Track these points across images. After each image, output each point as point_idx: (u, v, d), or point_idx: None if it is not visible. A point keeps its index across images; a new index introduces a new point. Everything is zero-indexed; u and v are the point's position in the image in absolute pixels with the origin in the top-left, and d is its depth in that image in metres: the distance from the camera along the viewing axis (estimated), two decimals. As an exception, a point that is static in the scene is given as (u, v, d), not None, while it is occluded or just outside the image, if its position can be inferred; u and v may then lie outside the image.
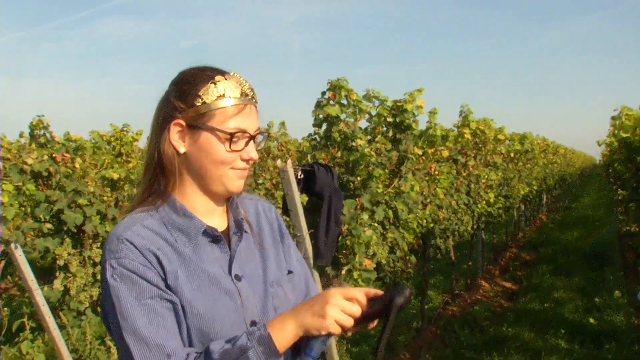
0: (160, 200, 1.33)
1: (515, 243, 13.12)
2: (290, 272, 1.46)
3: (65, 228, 4.53)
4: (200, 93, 1.28)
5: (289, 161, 3.42)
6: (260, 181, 6.90)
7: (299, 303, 1.28)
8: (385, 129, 4.82)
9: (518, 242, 13.30)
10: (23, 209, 4.53)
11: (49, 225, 4.42)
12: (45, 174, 4.46)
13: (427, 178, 5.57)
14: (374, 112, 4.71)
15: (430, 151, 5.48)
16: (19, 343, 4.55)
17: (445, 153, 6.06)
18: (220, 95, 1.28)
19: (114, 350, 4.76)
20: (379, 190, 4.36)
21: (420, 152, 4.97)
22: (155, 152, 1.33)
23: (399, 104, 4.75)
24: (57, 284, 4.55)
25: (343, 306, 1.21)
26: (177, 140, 1.31)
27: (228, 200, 1.42)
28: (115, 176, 5.06)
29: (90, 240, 4.69)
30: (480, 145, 7.56)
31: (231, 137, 1.29)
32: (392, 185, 4.68)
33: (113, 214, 4.79)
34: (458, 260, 8.37)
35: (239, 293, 1.32)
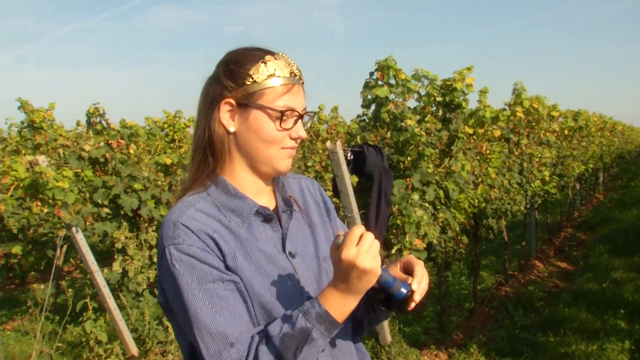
0: (210, 182, 1.33)
1: (570, 223, 12.81)
2: None
3: (122, 212, 4.68)
4: (251, 72, 1.29)
5: (339, 142, 3.43)
6: (309, 164, 6.93)
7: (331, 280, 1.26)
8: (434, 108, 4.77)
9: (574, 222, 12.98)
10: (82, 194, 4.70)
11: (107, 210, 4.57)
12: (102, 160, 4.61)
13: (478, 157, 5.49)
14: (423, 92, 4.67)
15: (481, 131, 5.39)
16: (82, 322, 4.73)
17: (497, 132, 5.95)
18: (271, 74, 1.29)
19: (171, 330, 4.90)
20: (430, 170, 4.33)
21: (470, 131, 4.91)
22: (205, 132, 1.33)
23: (448, 82, 4.69)
24: (116, 266, 4.71)
25: (366, 245, 1.18)
26: (227, 119, 1.31)
27: (274, 180, 1.43)
28: (169, 161, 5.17)
29: (146, 224, 4.82)
30: (533, 124, 7.38)
31: (282, 115, 1.29)
32: (443, 165, 4.63)
33: (167, 198, 4.91)
34: (511, 241, 8.24)
35: (294, 270, 1.33)
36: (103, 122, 6.25)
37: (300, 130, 1.33)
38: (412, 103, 4.65)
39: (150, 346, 4.82)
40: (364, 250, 1.17)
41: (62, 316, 4.86)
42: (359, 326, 1.45)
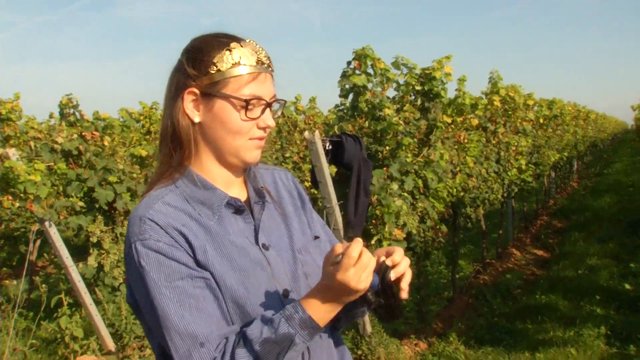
0: (178, 174, 1.28)
1: (546, 211, 12.96)
2: (316, 237, 1.44)
3: (97, 206, 4.59)
4: (215, 60, 1.24)
5: (317, 132, 3.39)
6: (287, 155, 6.89)
7: (320, 282, 1.22)
8: (413, 97, 4.75)
9: (549, 210, 13.13)
10: (55, 187, 4.60)
11: (81, 203, 4.47)
12: (75, 152, 4.51)
13: (456, 146, 5.49)
14: (401, 81, 4.65)
15: (459, 119, 5.39)
16: (57, 318, 4.65)
17: (475, 121, 5.96)
18: (236, 62, 1.24)
19: (149, 324, 4.84)
20: (408, 160, 4.31)
21: (449, 120, 4.90)
22: (169, 122, 1.28)
23: (427, 71, 4.67)
24: (92, 261, 4.63)
25: (363, 266, 1.14)
26: (191, 109, 1.26)
27: (245, 171, 1.38)
28: (144, 153, 5.08)
29: (122, 217, 4.74)
30: (509, 112, 7.42)
31: (246, 104, 1.24)
32: (422, 155, 4.62)
33: (143, 191, 4.84)
34: (489, 229, 8.29)
35: (268, 262, 1.29)
36: (77, 113, 6.10)
37: (268, 120, 1.28)
38: (390, 93, 4.63)
39: (127, 341, 4.74)
40: (361, 273, 1.13)
41: (36, 312, 4.76)
42: (337, 320, 1.40)
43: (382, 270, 1.19)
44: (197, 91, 1.25)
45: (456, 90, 5.11)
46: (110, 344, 4.72)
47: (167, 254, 1.18)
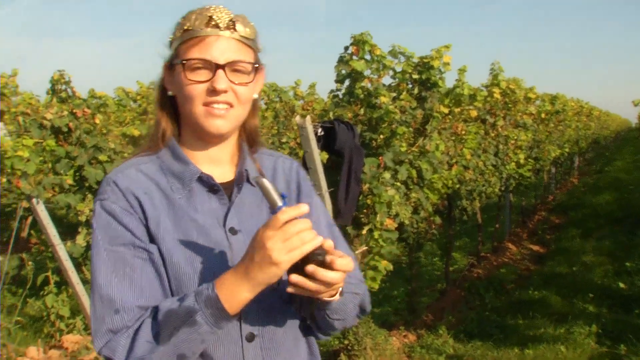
0: (162, 145, 1.29)
1: (544, 206, 12.90)
2: None
3: (86, 184, 4.53)
4: (174, 32, 1.25)
5: (308, 117, 3.32)
6: (284, 140, 6.82)
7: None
8: (410, 86, 4.67)
9: (547, 205, 13.07)
10: (44, 165, 4.54)
11: (70, 181, 4.40)
12: (65, 129, 4.43)
13: (453, 138, 5.42)
14: (398, 69, 4.56)
15: (457, 110, 5.31)
16: (44, 297, 4.61)
17: (474, 113, 5.87)
18: (184, 30, 1.22)
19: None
20: (403, 149, 4.24)
21: (446, 110, 4.82)
22: (155, 98, 1.32)
23: (425, 60, 4.58)
24: (80, 240, 4.57)
25: (287, 234, 1.05)
26: (167, 83, 1.28)
27: (240, 153, 1.34)
28: (136, 133, 5.01)
29: (112, 197, 4.69)
30: (510, 105, 7.33)
31: (183, 65, 1.20)
32: (417, 144, 4.55)
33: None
34: (485, 223, 8.25)
35: (230, 247, 1.23)
36: (68, 90, 6.02)
37: (214, 82, 1.20)
38: (387, 80, 4.54)
39: (113, 322, 4.71)
40: (281, 237, 1.05)
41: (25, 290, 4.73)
42: (308, 323, 1.33)
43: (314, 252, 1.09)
44: (167, 63, 1.28)
45: (456, 80, 5.02)
46: (96, 324, 4.69)
47: (118, 218, 1.18)
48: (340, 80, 4.29)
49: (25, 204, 4.49)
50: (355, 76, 4.19)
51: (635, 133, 39.44)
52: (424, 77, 4.54)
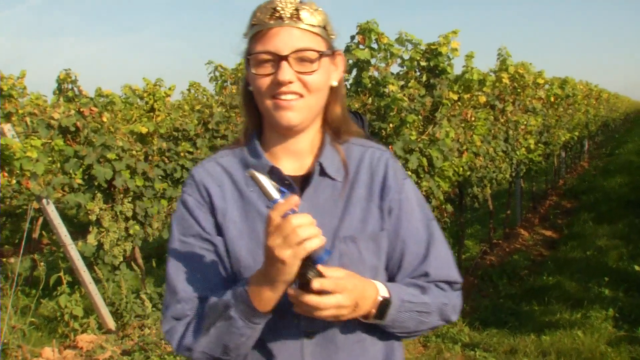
0: (244, 139, 1.34)
1: (555, 191, 12.81)
2: (382, 230, 1.29)
3: (96, 183, 4.52)
4: (246, 29, 1.26)
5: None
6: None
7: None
8: (418, 73, 4.62)
9: (558, 190, 12.98)
10: (53, 165, 4.53)
11: (79, 181, 4.40)
12: (72, 129, 4.42)
13: (463, 124, 5.36)
14: (406, 56, 4.51)
15: (466, 97, 5.25)
16: (57, 297, 4.61)
17: (483, 99, 5.81)
18: (252, 24, 1.23)
19: (148, 303, 4.79)
20: (412, 138, 4.20)
21: (455, 97, 4.77)
22: (240, 93, 1.35)
23: (433, 47, 4.54)
24: (91, 239, 4.57)
25: (284, 230, 1.03)
26: (248, 78, 1.28)
27: (322, 145, 1.30)
28: (144, 130, 5.00)
29: (121, 195, 4.67)
30: (519, 90, 7.26)
31: (249, 61, 1.22)
32: (426, 132, 4.50)
33: (143, 168, 4.75)
34: (496, 209, 8.18)
35: None
36: (75, 89, 6.00)
37: (279, 74, 1.18)
38: (395, 69, 4.50)
39: (127, 320, 4.71)
40: (277, 237, 1.04)
41: (38, 290, 4.73)
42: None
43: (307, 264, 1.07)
44: (245, 61, 1.28)
45: (463, 66, 4.97)
46: (110, 323, 4.69)
47: (190, 210, 1.26)
48: (346, 70, 4.25)
49: (35, 204, 4.49)
50: (362, 65, 4.15)
51: (644, 115, 39.09)
52: (432, 64, 4.50)
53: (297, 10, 1.20)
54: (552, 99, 9.50)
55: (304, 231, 1.03)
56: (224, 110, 5.89)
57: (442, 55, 4.50)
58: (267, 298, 1.11)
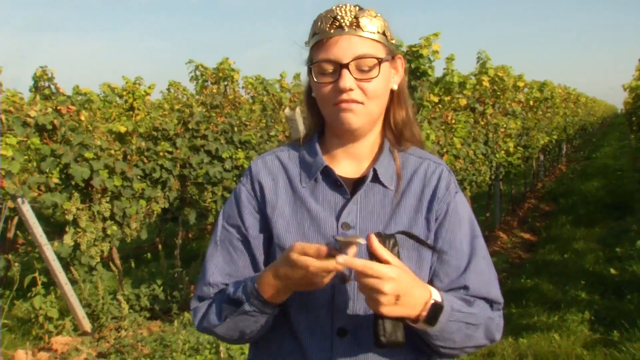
0: (306, 138, 1.38)
1: (534, 194, 12.93)
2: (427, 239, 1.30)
3: (73, 183, 4.45)
4: (308, 37, 1.30)
5: (298, 109, 3.27)
6: (272, 133, 6.76)
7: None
8: (399, 75, 4.63)
9: (537, 193, 13.11)
10: (30, 164, 4.45)
11: (55, 180, 4.32)
12: (49, 127, 4.34)
13: (443, 127, 5.38)
14: (387, 58, 4.52)
15: (447, 99, 5.27)
16: (31, 298, 4.53)
17: (463, 101, 5.85)
18: (314, 33, 1.26)
19: (125, 305, 4.73)
20: (393, 140, 4.20)
21: (436, 99, 4.78)
22: (304, 99, 1.40)
23: (414, 49, 4.54)
24: (67, 239, 4.49)
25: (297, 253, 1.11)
26: (312, 85, 1.31)
27: (380, 150, 1.33)
28: (123, 129, 4.94)
29: (99, 195, 4.61)
30: (498, 93, 7.31)
31: (310, 69, 1.26)
32: (407, 135, 4.51)
33: (121, 168, 4.69)
34: (476, 212, 8.18)
35: None
36: (52, 86, 5.91)
37: (340, 81, 1.21)
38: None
39: (103, 321, 4.65)
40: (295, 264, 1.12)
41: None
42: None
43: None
44: (308, 67, 1.31)
45: (444, 69, 4.99)
46: (86, 325, 4.62)
47: (239, 199, 1.33)
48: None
49: (10, 204, 4.41)
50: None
51: (621, 119, 39.72)
52: (413, 66, 4.51)
53: (356, 18, 1.23)
54: (531, 102, 9.60)
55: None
56: (204, 110, 5.84)
57: (423, 57, 4.52)
58: (271, 284, 1.18)
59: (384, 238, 1.12)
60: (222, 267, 1.30)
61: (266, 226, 1.30)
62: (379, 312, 1.10)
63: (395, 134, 1.35)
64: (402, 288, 1.09)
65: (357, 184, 1.30)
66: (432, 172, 1.33)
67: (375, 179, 1.29)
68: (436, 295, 1.16)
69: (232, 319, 1.23)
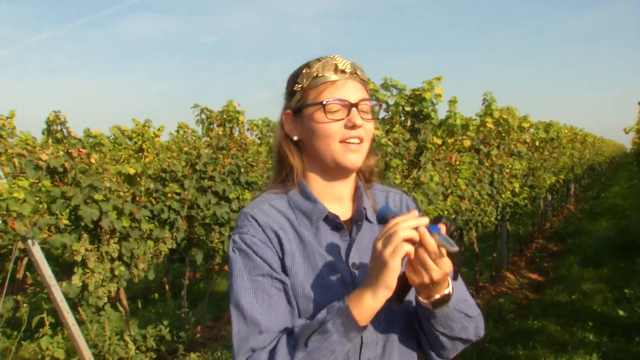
0: (290, 184, 1.41)
1: (542, 234, 12.87)
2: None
3: (82, 224, 4.52)
4: (298, 80, 1.38)
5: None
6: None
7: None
8: (403, 118, 4.72)
9: (545, 233, 13.04)
10: (40, 205, 4.53)
11: (65, 221, 4.40)
12: (60, 169, 4.44)
13: (447, 168, 5.44)
14: (391, 102, 4.62)
15: (450, 141, 5.35)
16: (38, 339, 4.56)
17: (467, 142, 5.92)
18: (315, 75, 1.35)
19: (131, 345, 4.75)
20: (397, 182, 4.26)
21: (439, 141, 4.86)
22: (276, 146, 1.44)
23: (417, 92, 4.64)
24: (76, 280, 4.54)
25: (392, 231, 1.17)
26: (290, 129, 1.40)
27: (356, 191, 1.45)
28: (132, 171, 5.03)
29: (108, 236, 4.67)
30: (503, 134, 7.38)
31: (324, 106, 1.32)
32: (411, 176, 4.57)
33: (130, 209, 4.77)
34: (482, 252, 8.22)
35: (354, 282, 1.33)
36: (64, 130, 6.05)
37: (353, 118, 1.33)
38: (380, 114, 4.59)
39: (110, 362, 4.65)
40: (381, 237, 1.19)
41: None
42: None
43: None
44: (290, 111, 1.40)
45: (447, 111, 5.08)
46: (92, 366, 4.62)
47: (257, 250, 1.31)
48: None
49: (20, 245, 4.48)
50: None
51: (629, 158, 39.63)
52: (416, 109, 4.60)
53: (353, 67, 1.38)
54: (537, 142, 9.66)
55: (402, 229, 1.17)
56: (211, 151, 5.94)
57: (426, 100, 4.61)
58: (369, 308, 1.20)
59: (449, 224, 1.24)
60: (270, 315, 1.28)
61: (285, 274, 1.33)
62: (422, 282, 1.21)
63: (365, 177, 1.49)
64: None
65: (347, 224, 1.40)
66: (399, 200, 1.53)
67: (366, 217, 1.41)
68: (449, 289, 1.29)
69: (310, 345, 1.20)
